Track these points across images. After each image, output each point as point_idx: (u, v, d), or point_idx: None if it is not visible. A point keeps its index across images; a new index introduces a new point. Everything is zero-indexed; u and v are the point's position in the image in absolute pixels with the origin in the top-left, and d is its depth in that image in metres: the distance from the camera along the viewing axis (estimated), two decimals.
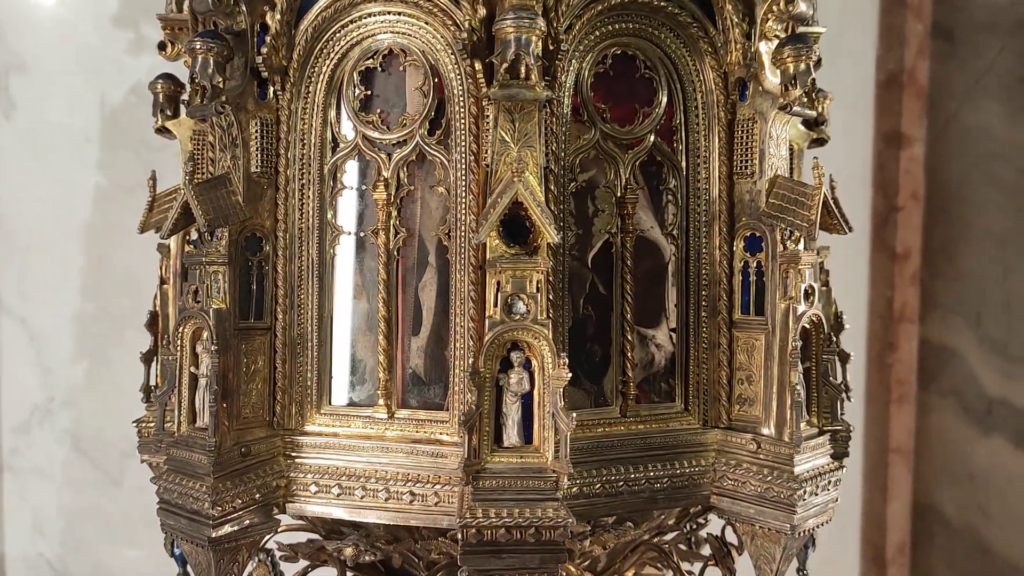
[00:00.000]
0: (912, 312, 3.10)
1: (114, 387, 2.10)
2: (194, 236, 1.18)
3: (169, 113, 1.38)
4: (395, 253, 1.15)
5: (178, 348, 1.13)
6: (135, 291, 1.87)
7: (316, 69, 1.15)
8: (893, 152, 3.06)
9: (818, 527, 1.16)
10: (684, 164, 1.19)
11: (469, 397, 1.03)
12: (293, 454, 1.15)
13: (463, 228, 1.10)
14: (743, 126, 1.18)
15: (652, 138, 1.18)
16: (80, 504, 2.22)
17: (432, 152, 1.12)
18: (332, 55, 1.15)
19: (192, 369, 1.13)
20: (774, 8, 1.15)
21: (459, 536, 1.00)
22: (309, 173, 1.16)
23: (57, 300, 2.20)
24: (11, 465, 2.23)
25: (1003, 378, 2.78)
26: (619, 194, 1.17)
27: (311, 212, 1.16)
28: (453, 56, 1.10)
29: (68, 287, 2.21)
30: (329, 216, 1.17)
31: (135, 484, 2.13)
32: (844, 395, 1.44)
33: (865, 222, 3.28)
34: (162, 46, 1.39)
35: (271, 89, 1.15)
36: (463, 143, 1.10)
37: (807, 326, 1.15)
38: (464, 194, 1.10)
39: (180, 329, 1.13)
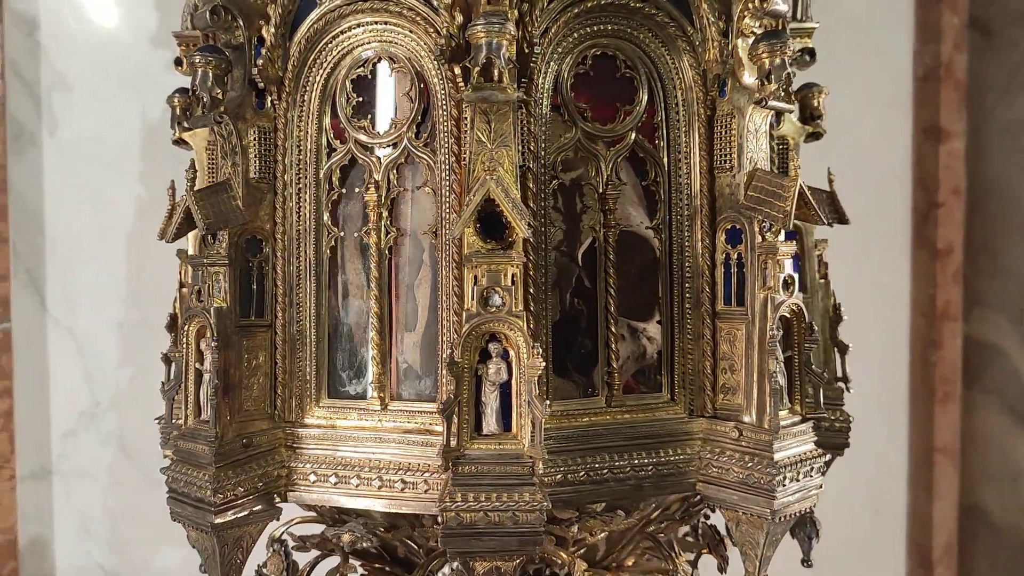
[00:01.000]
0: (955, 310, 3.07)
1: (156, 391, 2.18)
2: None
3: (186, 125, 1.45)
4: (387, 252, 1.21)
5: (184, 345, 1.20)
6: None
7: (310, 78, 1.21)
8: (932, 147, 3.03)
9: (801, 513, 1.18)
10: (666, 160, 1.23)
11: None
12: (294, 445, 1.21)
13: (447, 226, 1.15)
14: (723, 122, 1.20)
15: (634, 135, 1.21)
16: (125, 505, 2.32)
17: (419, 154, 1.18)
18: (325, 65, 1.21)
19: (197, 365, 1.19)
20: (749, 6, 1.18)
21: (440, 519, 1.04)
22: (305, 177, 1.22)
23: (101, 309, 2.31)
24: (59, 469, 2.34)
25: None
26: (601, 190, 1.20)
27: (308, 214, 1.22)
28: (435, 62, 1.15)
29: (112, 296, 2.30)
30: (325, 218, 1.22)
31: None
32: (844, 386, 1.46)
33: (906, 218, 3.24)
34: (178, 62, 1.47)
35: (268, 99, 1.22)
36: (446, 145, 1.15)
37: (787, 315, 1.18)
38: (447, 194, 1.15)
39: (185, 327, 1.19)
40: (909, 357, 3.26)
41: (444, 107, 1.15)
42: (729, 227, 1.20)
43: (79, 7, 2.28)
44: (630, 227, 1.30)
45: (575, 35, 1.18)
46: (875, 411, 3.22)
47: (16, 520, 2.26)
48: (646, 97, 1.21)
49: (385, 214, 1.20)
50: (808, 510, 1.20)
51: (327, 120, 1.22)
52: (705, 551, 1.44)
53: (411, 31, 1.17)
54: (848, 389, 1.45)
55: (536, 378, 1.05)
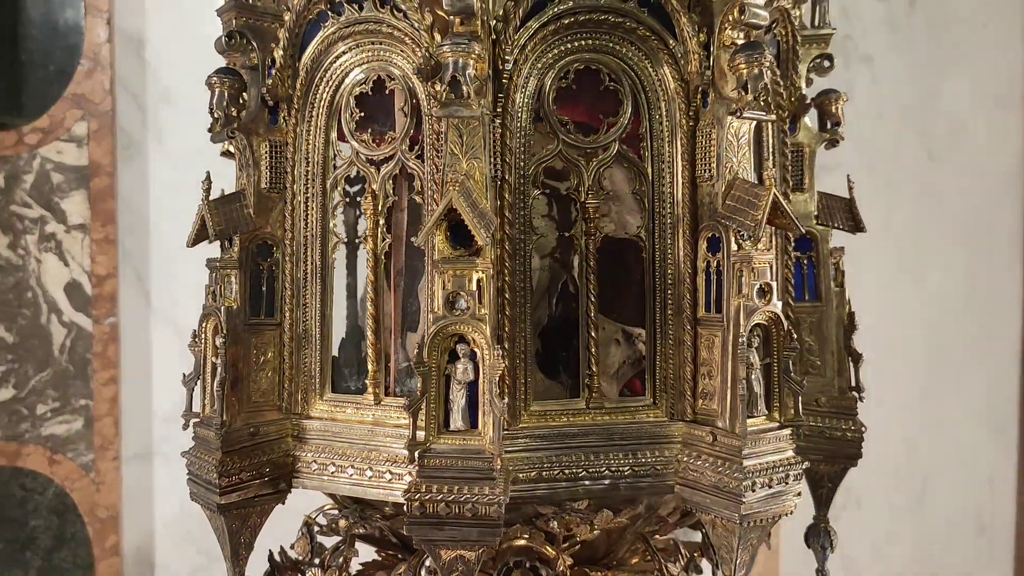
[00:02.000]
0: None
1: None
2: None
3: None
4: (382, 257, 1.29)
5: (202, 341, 1.31)
6: None
7: (318, 95, 1.30)
8: None
9: (775, 520, 1.19)
10: (650, 170, 1.26)
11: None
12: (299, 435, 1.31)
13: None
14: (704, 132, 1.22)
15: (617, 146, 1.24)
16: None
17: (411, 166, 1.25)
18: (331, 82, 1.30)
19: (213, 359, 1.30)
20: (730, 18, 1.19)
21: (406, 508, 1.11)
22: (313, 187, 1.31)
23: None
24: (162, 451, 2.54)
25: None
26: (582, 199, 1.24)
27: (315, 222, 1.31)
28: (418, 79, 1.22)
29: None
30: (331, 225, 1.32)
31: None
32: (857, 395, 1.45)
33: (1016, 222, 3.10)
34: None
35: (280, 115, 1.32)
36: (430, 157, 1.22)
37: (765, 323, 1.19)
38: (431, 204, 1.22)
39: (203, 324, 1.31)
40: (1020, 371, 3.11)
41: (430, 122, 1.22)
42: (710, 235, 1.22)
43: (183, 27, 2.47)
44: (628, 235, 1.33)
45: (555, 51, 1.22)
46: (983, 427, 3.09)
47: (120, 497, 2.47)
48: (630, 108, 1.25)
49: (382, 222, 1.28)
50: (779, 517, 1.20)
51: (333, 134, 1.31)
52: (698, 554, 1.46)
53: (402, 51, 1.24)
54: (861, 398, 1.44)
55: (497, 378, 1.11)
